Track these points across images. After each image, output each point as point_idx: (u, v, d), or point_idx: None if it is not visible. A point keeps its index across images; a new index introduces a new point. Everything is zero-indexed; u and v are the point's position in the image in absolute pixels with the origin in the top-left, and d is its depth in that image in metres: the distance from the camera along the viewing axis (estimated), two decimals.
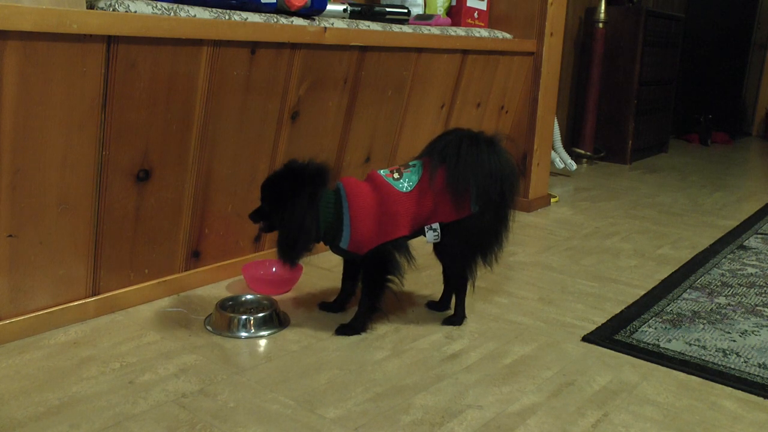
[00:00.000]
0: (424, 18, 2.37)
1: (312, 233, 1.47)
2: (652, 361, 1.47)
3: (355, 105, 2.05)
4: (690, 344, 1.56)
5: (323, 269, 1.99)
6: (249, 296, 1.68)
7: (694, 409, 1.29)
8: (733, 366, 1.46)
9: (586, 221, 2.69)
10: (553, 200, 2.99)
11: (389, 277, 1.53)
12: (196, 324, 1.58)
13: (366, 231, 1.48)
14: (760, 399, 1.33)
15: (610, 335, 1.60)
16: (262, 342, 1.51)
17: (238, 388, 1.29)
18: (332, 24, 1.87)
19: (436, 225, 1.52)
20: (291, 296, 1.78)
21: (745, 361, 1.49)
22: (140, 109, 1.51)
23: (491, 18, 2.71)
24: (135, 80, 1.47)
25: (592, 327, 1.65)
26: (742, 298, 1.87)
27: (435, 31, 2.25)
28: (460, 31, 2.37)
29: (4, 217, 1.37)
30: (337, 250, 1.53)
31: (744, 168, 4.18)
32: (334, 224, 1.49)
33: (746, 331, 1.65)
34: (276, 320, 1.58)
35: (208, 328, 1.56)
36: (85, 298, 1.57)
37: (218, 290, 1.80)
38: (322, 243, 1.53)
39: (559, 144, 3.51)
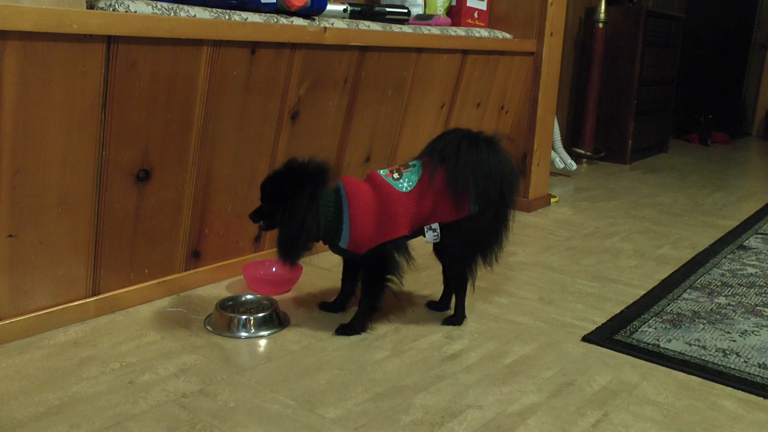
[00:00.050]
0: (424, 18, 2.37)
1: (312, 232, 1.47)
2: (652, 361, 1.47)
3: (355, 105, 2.05)
4: (690, 344, 1.56)
5: (323, 269, 1.99)
6: (249, 296, 1.68)
7: (694, 409, 1.29)
8: (733, 366, 1.46)
9: (586, 221, 2.69)
10: (553, 200, 2.99)
11: (389, 276, 1.53)
12: (196, 324, 1.58)
13: (366, 231, 1.48)
14: (760, 399, 1.33)
15: (610, 335, 1.60)
16: (262, 342, 1.51)
17: (238, 388, 1.29)
18: (332, 24, 1.87)
19: (435, 225, 1.52)
20: (291, 296, 1.78)
21: (745, 361, 1.49)
22: (140, 109, 1.51)
23: (491, 18, 2.71)
24: (135, 80, 1.47)
25: (592, 327, 1.65)
26: (742, 298, 1.87)
27: (435, 31, 2.25)
28: (460, 31, 2.37)
29: (4, 217, 1.37)
30: (336, 249, 1.53)
31: (744, 168, 4.18)
32: (333, 223, 1.49)
33: (746, 331, 1.65)
34: (276, 320, 1.58)
35: (208, 328, 1.56)
36: (85, 298, 1.57)
37: (218, 290, 1.80)
38: (321, 243, 1.53)
39: (559, 144, 3.51)
